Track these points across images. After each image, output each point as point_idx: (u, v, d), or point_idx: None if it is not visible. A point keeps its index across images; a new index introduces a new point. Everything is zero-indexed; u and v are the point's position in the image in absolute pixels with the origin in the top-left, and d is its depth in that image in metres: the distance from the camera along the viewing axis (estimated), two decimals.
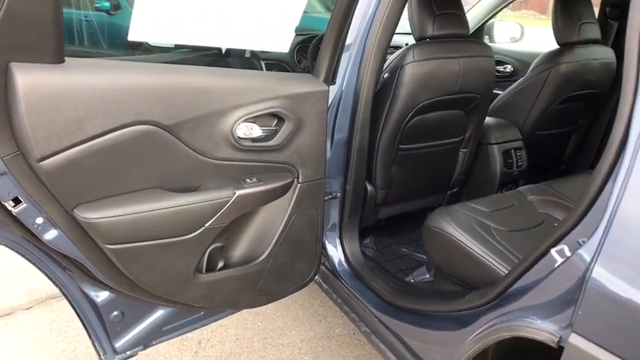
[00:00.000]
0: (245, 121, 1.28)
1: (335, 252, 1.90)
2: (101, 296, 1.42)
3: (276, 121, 1.37)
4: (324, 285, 1.97)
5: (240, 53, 2.27)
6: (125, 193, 1.17)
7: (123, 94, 1.07)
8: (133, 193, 1.18)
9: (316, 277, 1.95)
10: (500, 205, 1.76)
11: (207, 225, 1.29)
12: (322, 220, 1.64)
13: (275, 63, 2.62)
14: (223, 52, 2.17)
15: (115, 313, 1.47)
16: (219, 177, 1.33)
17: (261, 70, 2.47)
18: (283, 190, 1.46)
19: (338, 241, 1.91)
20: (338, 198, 1.85)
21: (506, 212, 1.71)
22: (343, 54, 1.52)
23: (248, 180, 1.36)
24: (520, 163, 2.26)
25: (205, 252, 1.37)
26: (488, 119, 2.20)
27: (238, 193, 1.31)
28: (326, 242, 1.90)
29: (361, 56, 1.69)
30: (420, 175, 2.09)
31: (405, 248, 2.25)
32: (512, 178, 2.28)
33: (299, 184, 1.50)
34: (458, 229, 1.56)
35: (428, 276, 1.92)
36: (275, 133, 1.36)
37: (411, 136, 1.90)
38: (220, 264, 1.47)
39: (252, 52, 2.37)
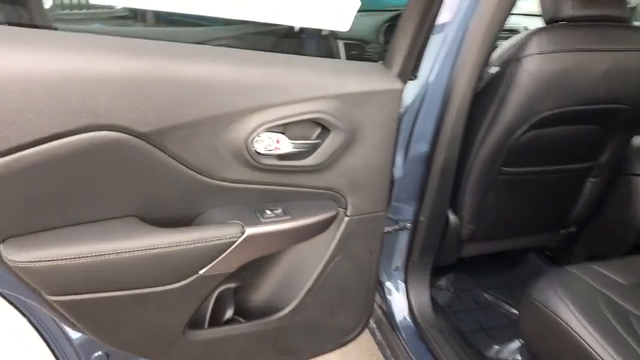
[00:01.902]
0: (268, 130, 0.87)
1: (397, 299, 1.45)
2: (79, 333, 1.11)
3: (318, 131, 0.94)
4: (377, 334, 1.53)
5: (315, 31, 1.80)
6: (82, 224, 0.81)
7: (69, 85, 0.70)
8: (95, 224, 0.82)
9: (370, 321, 1.52)
10: None
11: (201, 272, 0.91)
12: (378, 265, 1.20)
13: (357, 44, 2.14)
14: (296, 29, 1.71)
15: (98, 353, 1.15)
16: (227, 204, 0.94)
17: (337, 53, 2.00)
18: (322, 226, 1.03)
19: (402, 285, 1.45)
20: (407, 229, 1.39)
21: None
22: (432, 36, 1.04)
23: (269, 212, 0.95)
24: None
25: (202, 303, 1.00)
26: (638, 140, 1.59)
27: (249, 231, 0.90)
28: (385, 284, 1.46)
29: (460, 41, 1.19)
30: (527, 207, 1.55)
31: (491, 295, 1.74)
32: None
33: (347, 218, 1.06)
34: (575, 312, 1.04)
35: (520, 359, 1.41)
36: (314, 147, 0.93)
37: (520, 156, 1.38)
38: (229, 313, 1.09)
39: (331, 31, 1.90)
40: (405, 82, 1.00)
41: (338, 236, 1.08)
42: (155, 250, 0.83)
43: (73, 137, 0.72)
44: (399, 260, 1.45)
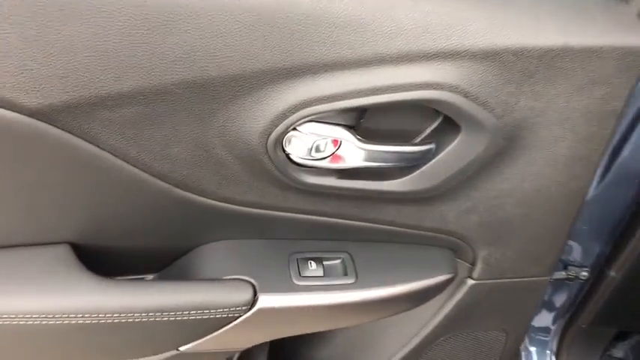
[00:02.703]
0: (317, 118, 0.40)
1: None
2: None
3: (433, 125, 0.45)
4: None
5: None
6: None
7: None
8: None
9: None
10: None
11: (183, 349, 0.52)
12: (515, 352, 0.70)
13: None
14: None
15: None
16: (238, 237, 0.51)
17: None
18: (419, 297, 0.56)
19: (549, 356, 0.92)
20: (581, 281, 0.84)
21: None
22: None
23: (313, 264, 0.50)
24: None
25: None
26: None
27: (266, 301, 0.47)
28: (527, 349, 0.94)
29: None
30: None
31: None
32: None
33: (471, 282, 0.58)
34: None
35: None
36: (420, 158, 0.45)
37: None
38: None
39: None
40: None
41: (451, 306, 0.61)
42: (97, 320, 0.45)
43: None
44: (552, 319, 0.92)
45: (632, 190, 0.73)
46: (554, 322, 0.92)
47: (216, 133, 0.40)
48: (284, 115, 0.39)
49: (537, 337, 0.93)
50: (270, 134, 0.40)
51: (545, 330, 0.93)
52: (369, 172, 0.45)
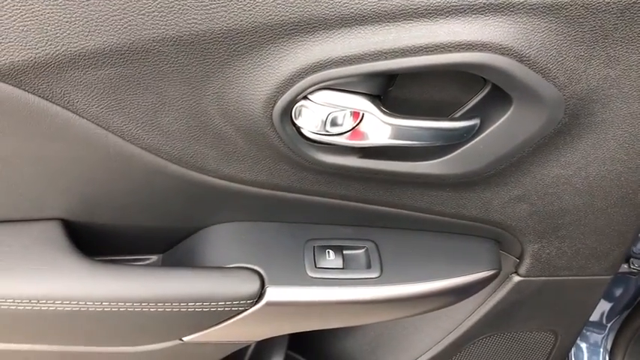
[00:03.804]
0: (333, 85, 0.33)
1: None
2: None
3: (481, 95, 0.37)
4: None
5: None
6: None
7: None
8: None
9: None
10: None
11: (186, 339, 0.47)
12: (565, 355, 0.62)
13: None
14: None
15: None
16: (245, 218, 0.45)
17: None
18: (455, 295, 0.49)
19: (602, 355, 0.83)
20: None
21: None
22: None
23: (331, 254, 0.44)
24: None
25: None
26: None
27: (274, 294, 0.42)
28: (576, 346, 0.86)
29: None
30: None
31: None
32: None
33: (518, 278, 0.50)
34: None
35: None
36: (460, 136, 0.37)
37: None
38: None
39: None
40: None
41: (493, 304, 0.53)
42: (90, 307, 0.41)
43: None
44: (607, 314, 0.82)
45: None
46: (609, 317, 0.82)
47: (212, 100, 0.34)
48: (291, 81, 0.32)
49: (588, 332, 0.84)
50: (275, 103, 0.33)
51: (599, 325, 0.83)
52: (399, 152, 0.38)
